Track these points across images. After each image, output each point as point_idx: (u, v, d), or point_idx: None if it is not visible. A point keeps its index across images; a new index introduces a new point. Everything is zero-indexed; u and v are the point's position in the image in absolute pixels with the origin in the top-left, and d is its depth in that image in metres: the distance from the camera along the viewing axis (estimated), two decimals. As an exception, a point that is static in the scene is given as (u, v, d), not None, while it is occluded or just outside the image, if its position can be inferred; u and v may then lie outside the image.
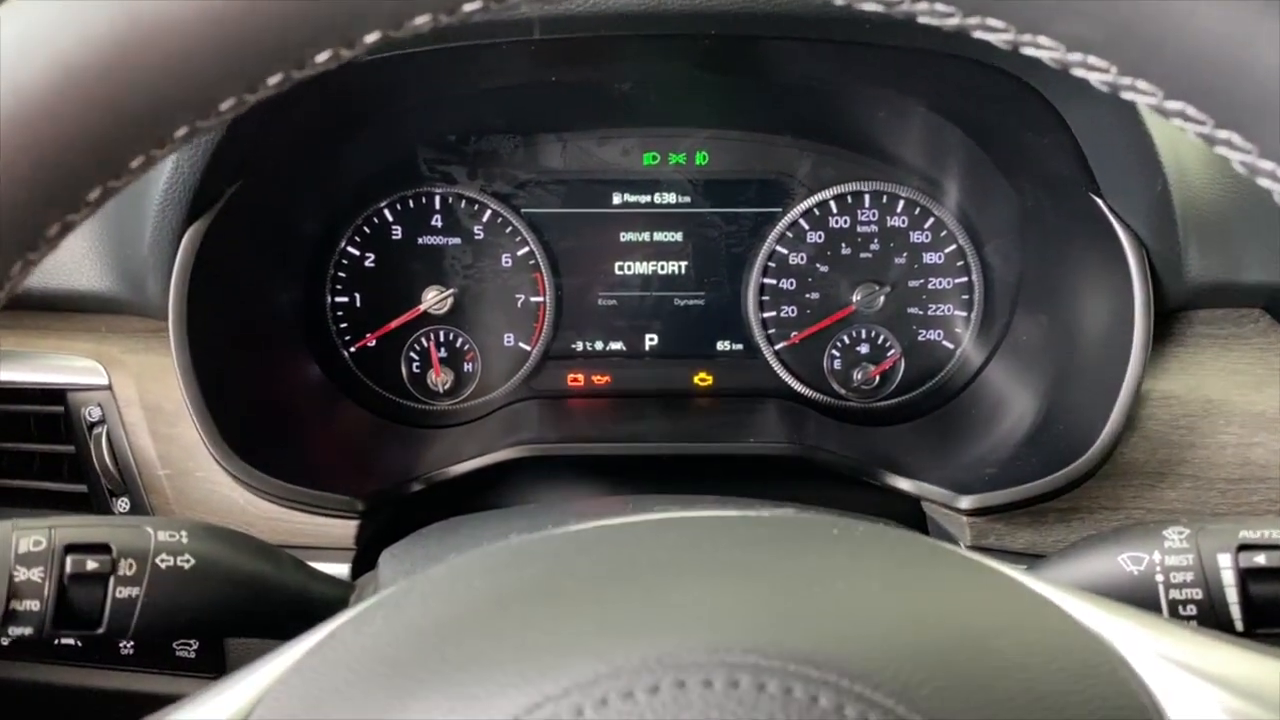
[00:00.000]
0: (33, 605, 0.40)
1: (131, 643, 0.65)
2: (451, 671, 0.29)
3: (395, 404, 0.77)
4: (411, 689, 0.29)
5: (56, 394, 0.63)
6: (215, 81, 0.24)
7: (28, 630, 0.40)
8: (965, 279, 0.76)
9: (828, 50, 0.61)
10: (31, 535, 0.40)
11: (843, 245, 0.77)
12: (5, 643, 0.39)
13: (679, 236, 0.78)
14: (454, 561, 0.35)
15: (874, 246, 0.77)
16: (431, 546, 0.50)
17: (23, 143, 0.24)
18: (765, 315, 0.78)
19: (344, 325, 0.77)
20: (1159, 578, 0.43)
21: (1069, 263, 0.67)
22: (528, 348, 0.78)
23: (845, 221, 0.76)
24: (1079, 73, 0.23)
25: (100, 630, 0.41)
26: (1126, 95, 0.23)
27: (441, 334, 0.77)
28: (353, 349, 0.77)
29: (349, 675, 0.31)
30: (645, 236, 0.78)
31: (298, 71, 0.24)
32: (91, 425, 0.63)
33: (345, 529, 0.62)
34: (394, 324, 0.76)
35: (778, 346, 0.78)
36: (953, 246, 0.76)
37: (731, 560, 0.34)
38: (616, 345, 0.79)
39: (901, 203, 0.76)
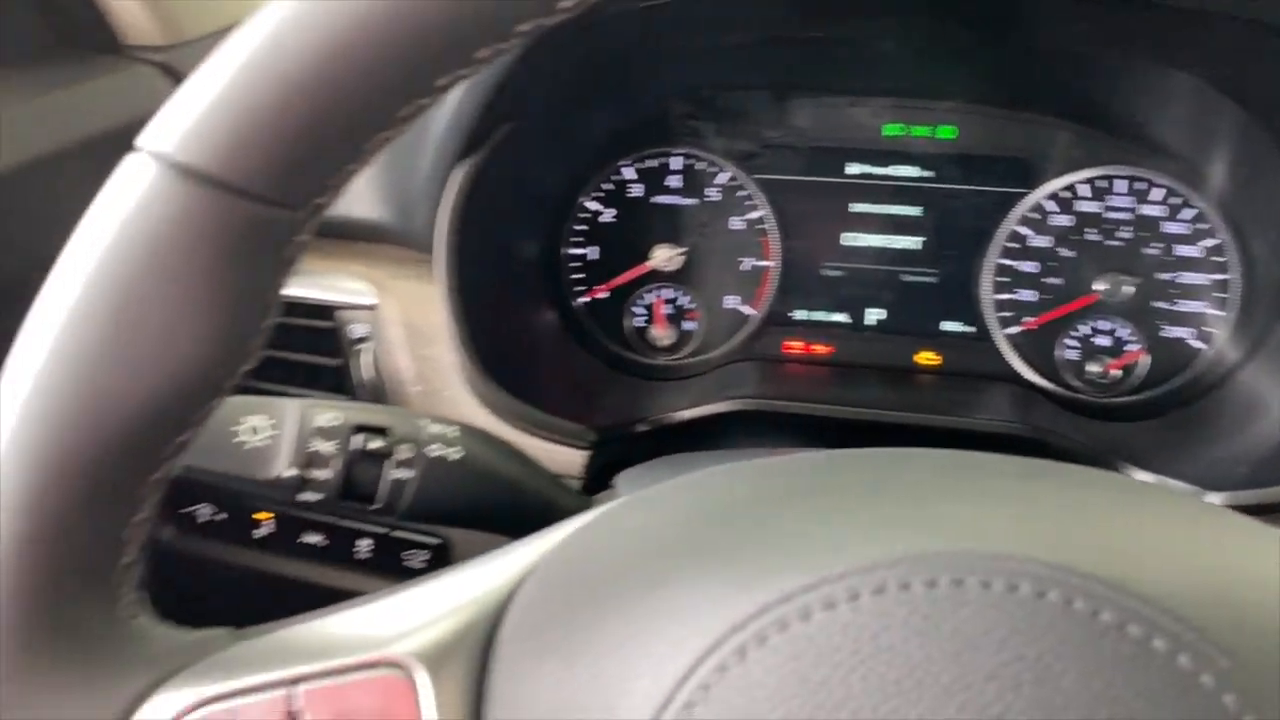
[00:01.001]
0: (324, 474, 0.44)
1: (371, 544, 0.70)
2: (725, 555, 0.30)
3: (618, 355, 0.80)
4: (680, 570, 0.30)
5: (328, 311, 0.69)
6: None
7: (319, 496, 0.44)
8: (1223, 275, 0.72)
9: (1096, 10, 0.59)
10: (327, 413, 0.45)
11: (1090, 230, 0.74)
12: (304, 499, 0.44)
13: (914, 211, 0.77)
14: (716, 468, 0.37)
15: (1124, 234, 0.73)
16: (665, 474, 0.52)
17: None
18: (1000, 297, 0.76)
19: (577, 276, 0.80)
20: None
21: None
22: (749, 311, 0.79)
23: (1095, 206, 0.73)
24: None
25: (376, 505, 0.45)
26: None
27: (667, 291, 0.79)
28: (583, 299, 0.80)
29: (615, 555, 0.33)
30: (878, 209, 0.77)
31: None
32: (356, 341, 0.68)
33: (573, 458, 0.65)
34: (623, 278, 0.79)
35: (1009, 331, 0.76)
36: (1212, 240, 0.72)
37: (1002, 486, 0.33)
38: (839, 317, 0.79)
39: (1158, 190, 0.72)
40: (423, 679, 0.31)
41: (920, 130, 0.76)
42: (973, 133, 0.75)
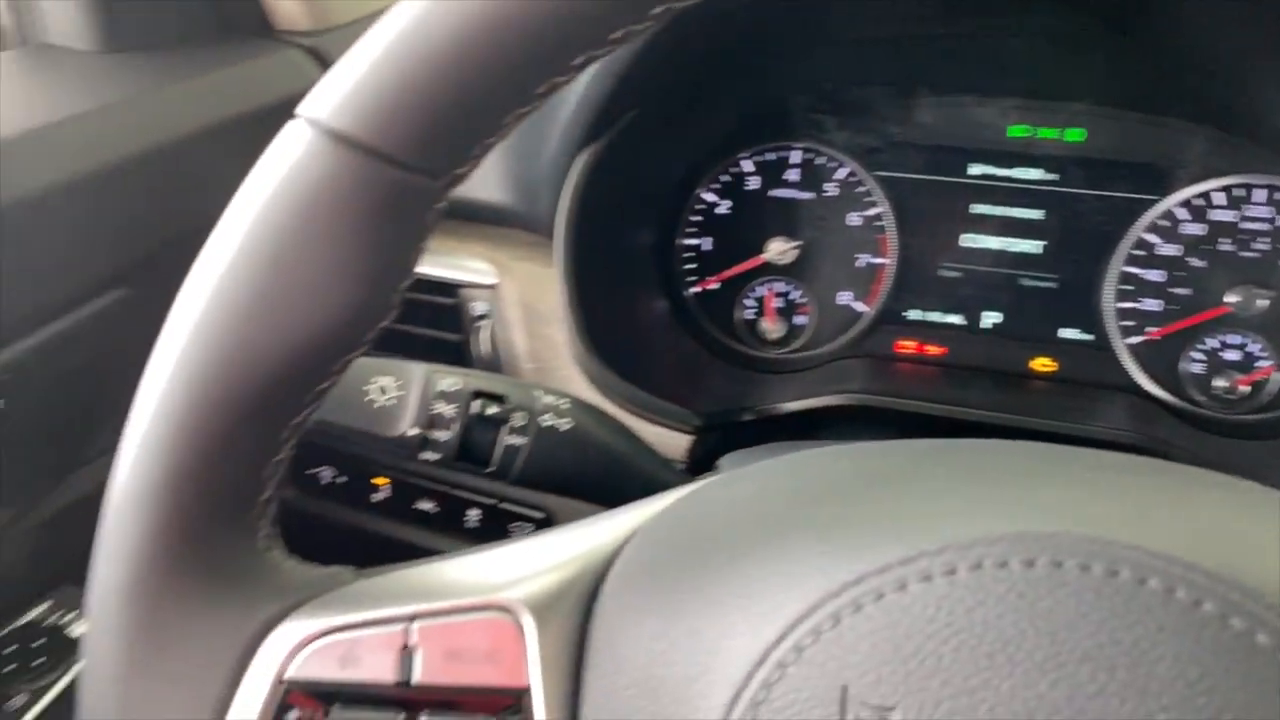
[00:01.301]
0: (443, 435, 0.46)
1: (480, 514, 0.73)
2: (826, 526, 0.31)
3: (726, 345, 0.81)
4: (781, 538, 0.31)
5: (452, 288, 0.72)
6: None
7: (438, 456, 0.47)
8: (1369, 293, 0.69)
9: (1240, 5, 0.57)
10: (449, 378, 0.47)
11: (1224, 240, 0.71)
12: (424, 458, 0.46)
13: (1037, 214, 0.76)
14: (819, 449, 0.38)
15: (1260, 245, 0.70)
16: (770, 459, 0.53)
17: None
18: (1122, 305, 0.74)
19: (689, 266, 0.81)
20: None
21: None
22: (862, 308, 0.79)
23: (1231, 215, 0.71)
24: None
25: (490, 469, 0.48)
26: None
27: (779, 285, 0.80)
28: (695, 289, 0.81)
29: (717, 522, 0.34)
30: (1000, 211, 0.76)
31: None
32: (476, 318, 0.71)
33: (677, 443, 0.66)
34: (736, 269, 0.80)
35: (1131, 340, 0.74)
36: (1358, 255, 0.69)
37: (1106, 477, 0.33)
38: (953, 318, 0.78)
39: (1301, 201, 0.70)
40: (529, 624, 0.33)
41: (1047, 132, 0.74)
42: (1102, 136, 0.73)
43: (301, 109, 0.32)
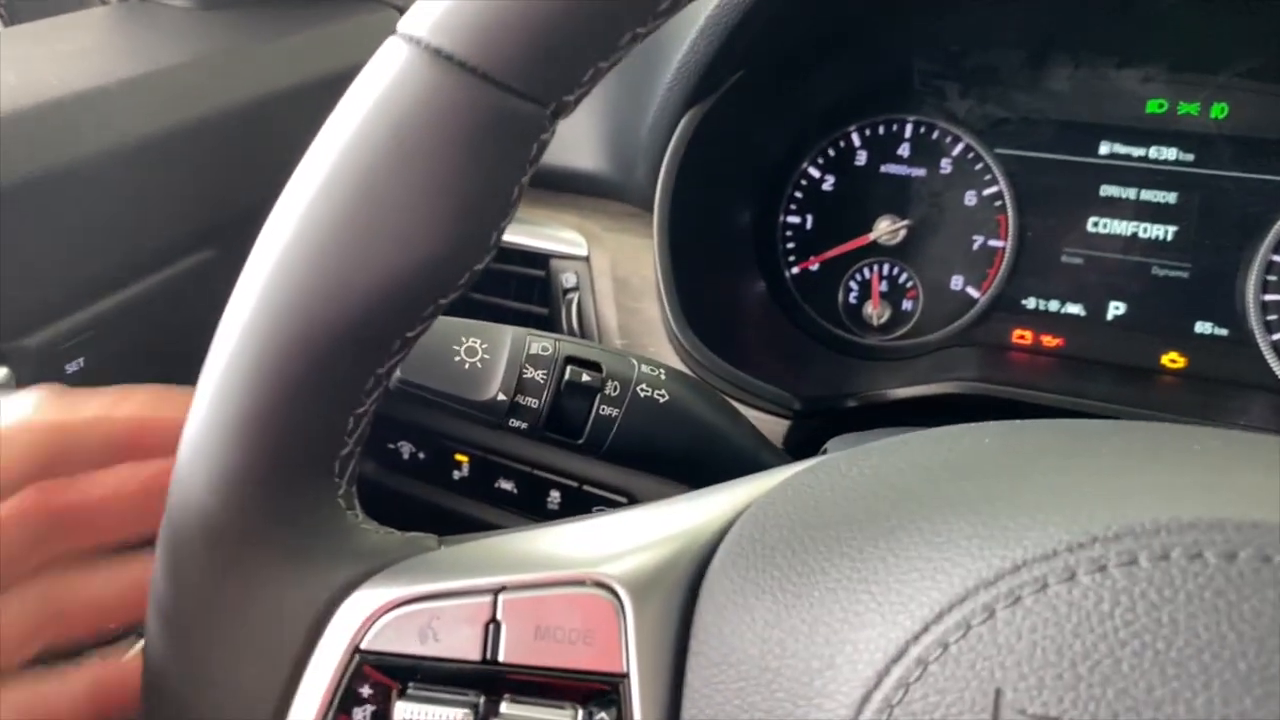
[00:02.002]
0: (533, 402, 0.44)
1: (559, 497, 0.70)
2: (976, 505, 0.27)
3: (827, 331, 0.77)
4: (923, 518, 0.27)
5: (541, 259, 0.70)
6: None
7: (525, 424, 0.44)
8: None
9: None
10: (540, 342, 0.44)
11: (1387, 228, 0.64)
12: (514, 425, 0.44)
13: (1172, 198, 0.70)
14: (961, 426, 0.33)
15: None
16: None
17: None
18: (1268, 298, 0.67)
19: (790, 246, 0.77)
20: None
21: None
22: (975, 294, 0.74)
23: (1397, 200, 0.64)
24: None
25: (580, 441, 0.45)
26: None
27: (886, 267, 0.75)
28: (795, 270, 0.77)
29: (846, 498, 0.30)
30: (1131, 194, 0.70)
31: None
32: (566, 291, 0.69)
33: (774, 428, 0.62)
34: (840, 249, 0.76)
35: (1277, 337, 0.67)
36: None
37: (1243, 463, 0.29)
38: (1075, 309, 0.72)
39: None
40: (628, 603, 0.29)
41: (1188, 107, 0.68)
42: (1249, 112, 0.67)
43: (402, 25, 0.30)
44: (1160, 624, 0.22)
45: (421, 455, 0.83)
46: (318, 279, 0.30)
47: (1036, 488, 0.27)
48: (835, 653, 0.26)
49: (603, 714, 0.29)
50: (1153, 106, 0.69)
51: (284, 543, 0.31)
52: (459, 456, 0.81)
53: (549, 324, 0.69)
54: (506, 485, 0.78)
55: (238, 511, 0.30)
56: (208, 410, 0.31)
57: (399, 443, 0.84)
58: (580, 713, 0.29)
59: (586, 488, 0.73)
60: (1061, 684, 0.23)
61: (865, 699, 0.25)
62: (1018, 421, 0.33)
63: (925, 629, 0.25)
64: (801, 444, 0.63)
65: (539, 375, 0.44)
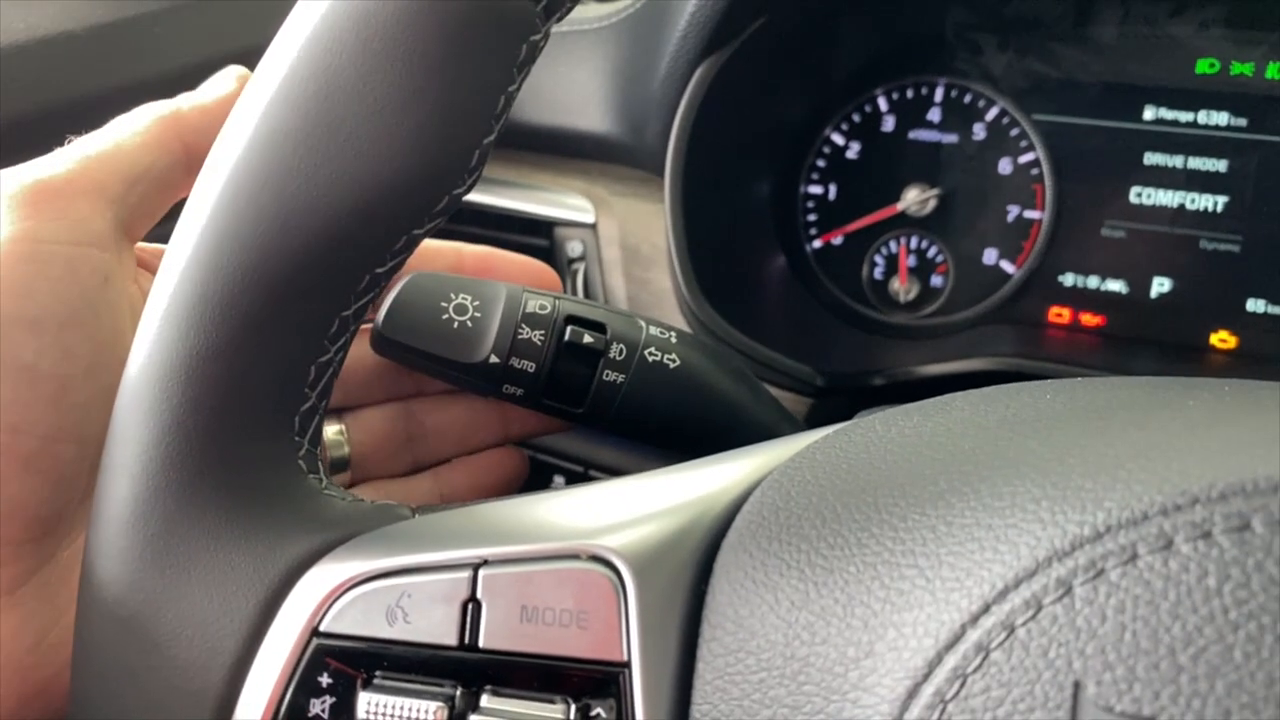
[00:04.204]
0: (529, 366, 0.39)
1: (564, 481, 0.66)
2: (1044, 464, 0.22)
3: (850, 308, 0.72)
4: (982, 480, 0.23)
5: (545, 226, 0.65)
6: None
7: (521, 390, 0.40)
8: None
9: None
10: (538, 299, 0.40)
11: None
12: (509, 391, 0.39)
13: (1222, 166, 0.65)
14: (1014, 384, 0.29)
15: None
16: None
17: None
18: (1328, 272, 0.63)
19: (812, 217, 0.73)
20: None
21: None
22: (1010, 269, 0.69)
23: None
24: None
25: (580, 410, 0.40)
26: None
27: (914, 239, 0.71)
28: (817, 244, 0.73)
29: (886, 462, 0.26)
30: (1178, 161, 0.66)
31: None
32: (571, 260, 0.64)
33: (796, 406, 0.58)
34: (865, 221, 0.71)
35: (1335, 313, 0.63)
36: None
37: None
38: (1116, 285, 0.68)
39: None
40: (629, 580, 0.25)
41: (1241, 67, 0.63)
42: (1310, 71, 0.62)
43: None
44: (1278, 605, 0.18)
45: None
46: (271, 201, 0.26)
47: (1116, 443, 0.22)
48: (876, 639, 0.22)
49: (600, 709, 0.25)
50: (1202, 67, 0.64)
51: (232, 506, 0.27)
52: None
53: (554, 296, 0.65)
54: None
55: (178, 466, 0.26)
56: (149, 352, 0.27)
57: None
58: (573, 708, 0.25)
59: (592, 473, 0.68)
60: (1157, 676, 0.18)
61: (913, 693, 0.21)
62: (1084, 379, 0.28)
63: (986, 609, 0.20)
64: (823, 424, 0.59)
65: (536, 336, 0.39)
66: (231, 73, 0.39)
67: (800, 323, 0.69)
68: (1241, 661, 0.18)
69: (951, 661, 0.20)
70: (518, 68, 0.26)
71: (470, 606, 0.26)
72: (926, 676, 0.21)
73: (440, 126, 0.25)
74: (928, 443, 0.25)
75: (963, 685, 0.20)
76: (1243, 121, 0.64)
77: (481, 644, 0.26)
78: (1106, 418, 0.24)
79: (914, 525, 0.23)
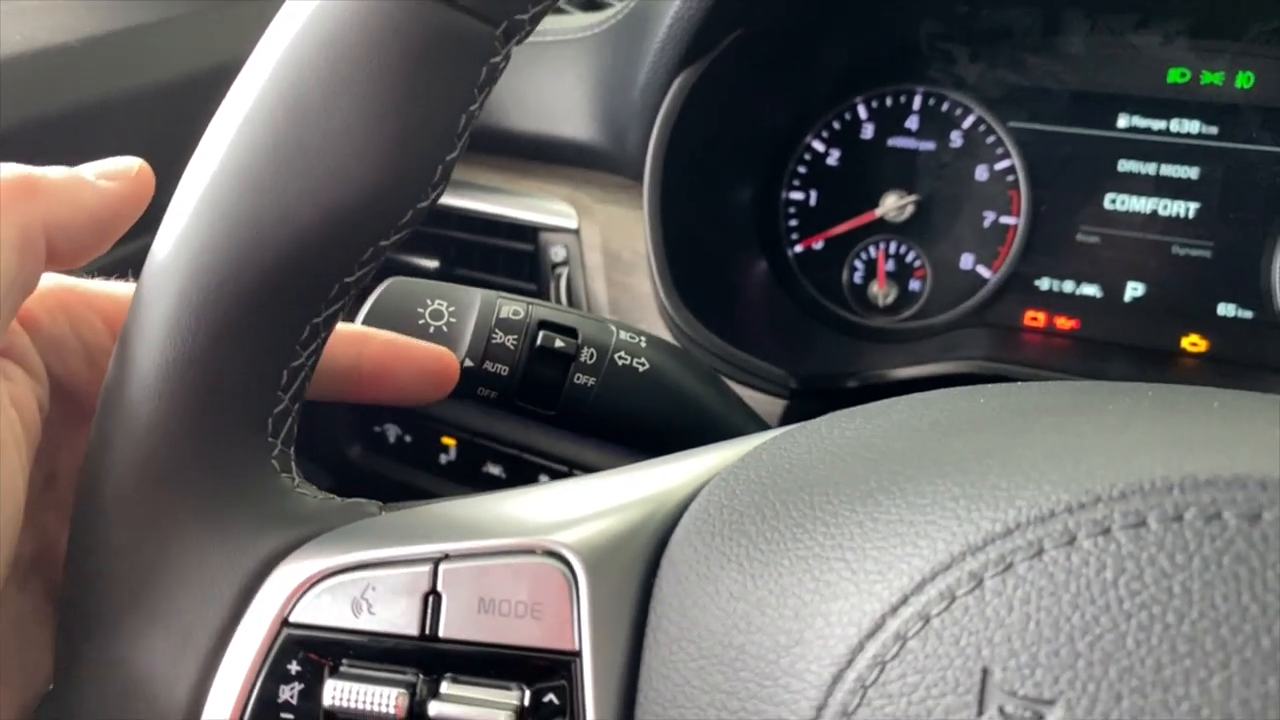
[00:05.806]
0: (502, 369, 0.41)
1: (550, 481, 0.68)
2: (964, 465, 0.24)
3: (830, 311, 0.74)
4: (906, 479, 0.24)
5: (529, 232, 0.67)
6: None
7: (494, 393, 0.41)
8: None
9: None
10: (512, 305, 0.42)
11: None
12: (482, 394, 0.41)
13: (1194, 173, 0.66)
14: (949, 390, 0.30)
15: None
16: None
17: None
18: (1295, 277, 0.64)
19: (793, 223, 0.74)
20: None
21: None
22: (986, 274, 0.70)
23: None
24: None
25: (553, 412, 0.42)
26: None
27: (893, 245, 0.72)
28: (798, 249, 0.74)
29: (821, 462, 0.27)
30: (1151, 169, 0.67)
31: None
32: (555, 265, 0.66)
33: (769, 409, 0.59)
34: (845, 226, 0.72)
35: (1305, 318, 0.64)
36: None
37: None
38: (1090, 290, 0.69)
39: None
40: (581, 574, 0.27)
41: (1211, 77, 0.65)
42: (1275, 80, 0.63)
43: None
44: (1171, 594, 0.19)
45: (408, 438, 0.81)
46: (244, 213, 0.27)
47: (1034, 445, 0.24)
48: (805, 627, 0.23)
49: (551, 694, 0.26)
50: (1174, 76, 0.66)
51: (208, 505, 0.28)
52: (446, 440, 0.78)
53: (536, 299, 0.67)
54: (494, 470, 0.75)
55: (158, 467, 0.27)
56: (129, 357, 0.28)
57: (385, 425, 0.81)
58: (527, 693, 0.27)
59: (577, 473, 0.70)
60: (1058, 662, 0.20)
61: (836, 678, 0.22)
62: (1018, 384, 0.30)
63: (904, 600, 0.22)
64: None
65: (509, 341, 0.41)
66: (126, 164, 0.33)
67: (781, 326, 0.71)
68: (1133, 648, 0.19)
69: (872, 649, 0.22)
70: (479, 88, 0.28)
71: (431, 599, 0.27)
72: (849, 663, 0.22)
73: (404, 145, 0.27)
74: (865, 444, 0.27)
75: (882, 671, 0.21)
76: (1213, 130, 0.66)
77: (441, 634, 0.27)
78: (1030, 420, 0.26)
79: (844, 521, 0.24)
